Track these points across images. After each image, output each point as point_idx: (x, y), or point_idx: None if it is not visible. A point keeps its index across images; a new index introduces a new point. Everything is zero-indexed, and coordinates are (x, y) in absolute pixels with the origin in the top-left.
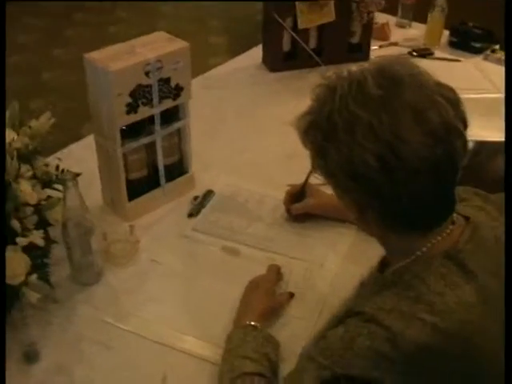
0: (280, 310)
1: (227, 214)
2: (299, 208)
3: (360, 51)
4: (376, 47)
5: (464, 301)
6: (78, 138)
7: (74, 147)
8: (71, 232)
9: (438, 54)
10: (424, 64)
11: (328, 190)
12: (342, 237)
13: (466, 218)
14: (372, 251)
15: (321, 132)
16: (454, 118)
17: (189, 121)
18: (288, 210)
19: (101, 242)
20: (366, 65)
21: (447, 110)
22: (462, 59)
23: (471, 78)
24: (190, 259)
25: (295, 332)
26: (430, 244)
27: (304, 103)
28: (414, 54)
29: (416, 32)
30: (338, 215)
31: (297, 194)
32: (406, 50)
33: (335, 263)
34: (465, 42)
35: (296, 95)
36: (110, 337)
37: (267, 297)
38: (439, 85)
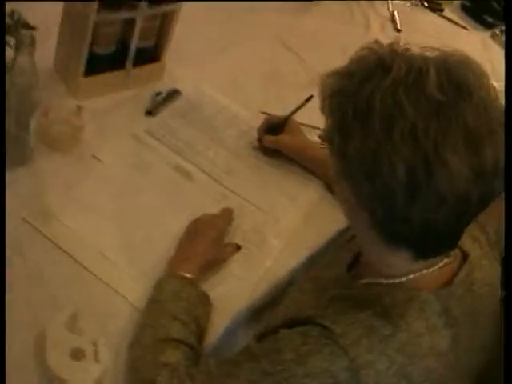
0: (222, 264)
1: (188, 125)
2: (271, 141)
3: None
4: None
5: (436, 347)
6: None
7: None
8: (12, 98)
9: (447, 13)
10: (430, 20)
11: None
12: (307, 190)
13: (462, 252)
14: (336, 217)
15: (352, 107)
16: (503, 154)
17: (181, 5)
18: (259, 139)
19: (40, 118)
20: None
21: (502, 145)
22: (469, 28)
23: (473, 55)
24: (136, 167)
25: (231, 292)
26: (418, 273)
27: (304, 21)
28: (425, 4)
29: None
30: (310, 165)
31: (275, 126)
32: None
33: (293, 221)
34: (477, 11)
35: (300, 10)
36: (24, 238)
37: (214, 247)
38: (502, 110)
